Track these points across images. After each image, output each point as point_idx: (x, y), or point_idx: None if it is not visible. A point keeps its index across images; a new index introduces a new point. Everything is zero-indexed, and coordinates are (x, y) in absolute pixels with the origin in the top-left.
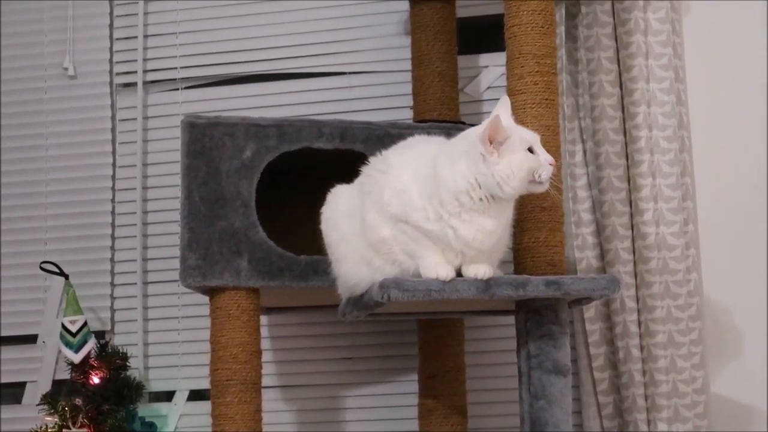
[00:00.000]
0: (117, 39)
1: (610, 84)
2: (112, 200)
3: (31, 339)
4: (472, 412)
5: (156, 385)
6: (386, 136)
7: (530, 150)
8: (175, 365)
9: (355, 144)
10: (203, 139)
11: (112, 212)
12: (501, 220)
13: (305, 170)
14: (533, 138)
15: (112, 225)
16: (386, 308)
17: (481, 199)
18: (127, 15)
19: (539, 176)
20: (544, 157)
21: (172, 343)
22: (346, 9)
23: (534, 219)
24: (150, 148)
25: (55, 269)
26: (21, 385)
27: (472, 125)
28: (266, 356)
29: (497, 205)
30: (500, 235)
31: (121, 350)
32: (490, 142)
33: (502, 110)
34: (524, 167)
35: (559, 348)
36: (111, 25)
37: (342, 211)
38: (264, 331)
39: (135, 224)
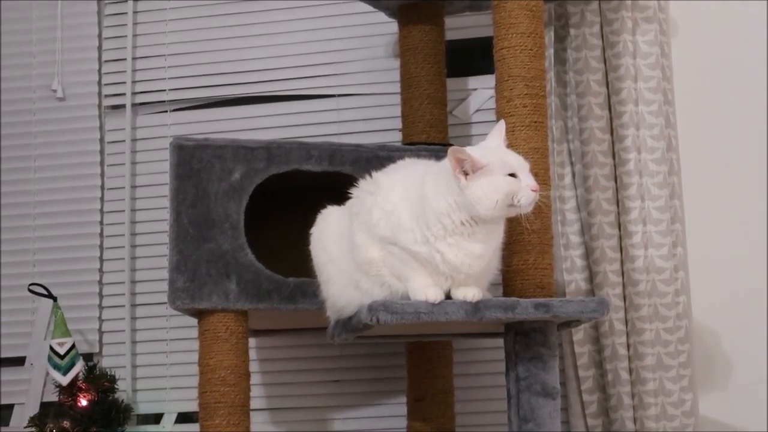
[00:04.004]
0: (106, 61)
1: (598, 107)
2: (101, 222)
3: (19, 361)
4: None
5: (144, 408)
6: (375, 158)
7: (513, 175)
8: (163, 388)
9: (343, 166)
10: (192, 162)
11: (101, 234)
12: (489, 245)
13: (294, 192)
14: (519, 164)
15: (101, 247)
16: (375, 331)
17: (463, 223)
18: (115, 37)
19: (518, 201)
20: (525, 183)
21: (160, 365)
22: (334, 32)
23: (523, 241)
24: (138, 170)
25: (43, 291)
26: (9, 408)
27: None
28: (254, 379)
29: (483, 229)
30: (489, 258)
31: (109, 372)
32: (460, 168)
33: (496, 134)
34: (500, 191)
35: (548, 370)
36: (100, 47)
37: (331, 233)
38: (252, 354)
39: (123, 246)
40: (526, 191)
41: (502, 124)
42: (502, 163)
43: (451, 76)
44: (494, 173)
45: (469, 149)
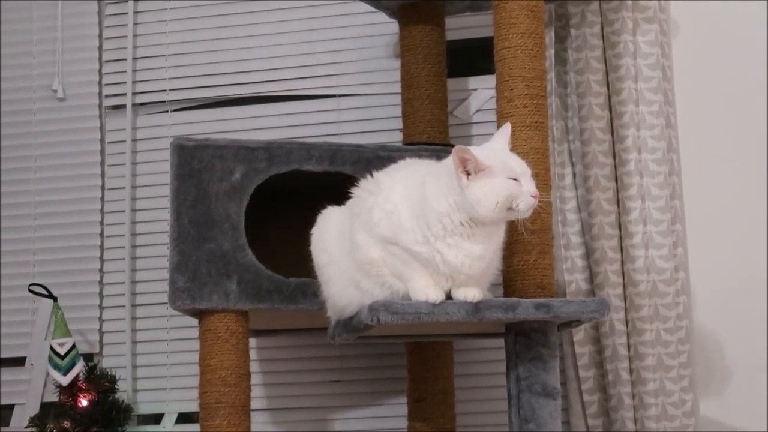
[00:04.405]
0: (106, 61)
1: (599, 107)
2: (101, 222)
3: (20, 361)
4: None
5: (144, 408)
6: (375, 158)
7: (515, 179)
8: (163, 388)
9: (344, 166)
10: (192, 162)
11: (101, 234)
12: (489, 246)
13: (295, 193)
14: (521, 169)
15: (101, 247)
16: (375, 331)
17: (462, 224)
18: (116, 37)
19: (517, 205)
20: (526, 188)
21: (160, 365)
22: (334, 32)
23: (523, 242)
24: (139, 170)
25: (44, 291)
26: (9, 408)
27: None
28: (255, 379)
29: (483, 231)
30: (490, 259)
31: (109, 373)
32: (463, 168)
33: (500, 136)
34: (500, 193)
35: (549, 371)
36: (100, 48)
37: (332, 233)
38: (253, 354)
39: (123, 246)
40: (525, 196)
41: (507, 126)
42: (504, 167)
43: (451, 76)
44: (496, 176)
45: (473, 149)
